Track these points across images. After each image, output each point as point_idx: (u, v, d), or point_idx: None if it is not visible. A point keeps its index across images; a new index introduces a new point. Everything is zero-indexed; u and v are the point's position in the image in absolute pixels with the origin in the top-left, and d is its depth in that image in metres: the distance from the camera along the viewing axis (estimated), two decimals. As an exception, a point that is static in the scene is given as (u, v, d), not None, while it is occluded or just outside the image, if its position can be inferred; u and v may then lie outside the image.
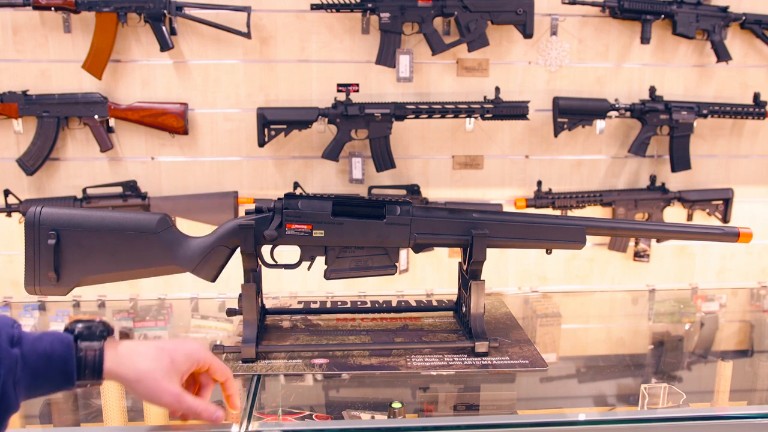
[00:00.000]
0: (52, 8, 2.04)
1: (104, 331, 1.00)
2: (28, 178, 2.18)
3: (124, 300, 2.23)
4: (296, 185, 2.24)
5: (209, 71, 2.20)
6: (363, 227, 1.49)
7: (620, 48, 2.29)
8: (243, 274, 1.49)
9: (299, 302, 1.91)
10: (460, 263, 1.62)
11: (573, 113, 2.23)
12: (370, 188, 2.28)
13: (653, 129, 2.27)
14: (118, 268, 1.43)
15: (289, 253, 1.54)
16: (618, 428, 1.30)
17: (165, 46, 2.11)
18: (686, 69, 2.34)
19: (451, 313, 1.78)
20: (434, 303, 1.89)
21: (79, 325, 0.98)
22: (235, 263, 1.49)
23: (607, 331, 2.13)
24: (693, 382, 1.68)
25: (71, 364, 0.95)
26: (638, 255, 2.41)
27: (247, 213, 1.50)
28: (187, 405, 1.05)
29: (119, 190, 2.19)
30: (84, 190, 2.17)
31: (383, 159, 2.22)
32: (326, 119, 2.16)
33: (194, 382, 1.17)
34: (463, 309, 1.62)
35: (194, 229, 2.15)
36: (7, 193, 2.13)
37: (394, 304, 1.88)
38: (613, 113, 2.26)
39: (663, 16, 2.22)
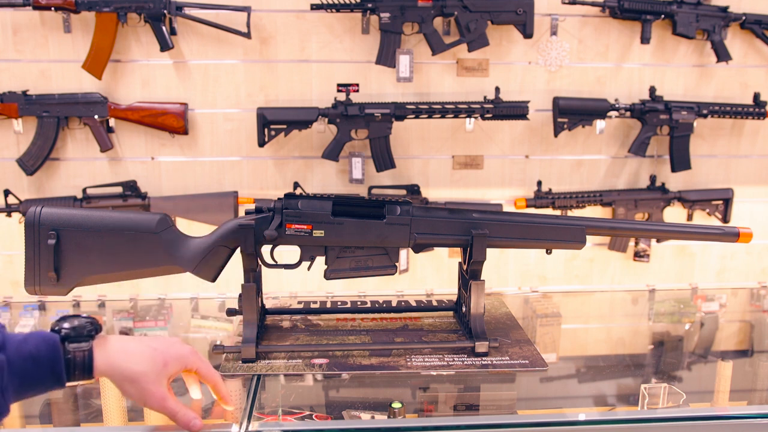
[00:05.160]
0: (52, 8, 2.04)
1: (92, 330, 0.99)
2: (28, 178, 2.18)
3: (124, 300, 2.23)
4: (296, 185, 2.24)
5: (209, 71, 2.20)
6: (363, 227, 1.49)
7: (620, 48, 2.29)
8: (243, 274, 1.49)
9: (299, 302, 1.91)
10: (460, 263, 1.62)
11: (573, 113, 2.23)
12: (370, 188, 2.28)
13: (653, 129, 2.27)
14: (118, 268, 1.43)
15: (289, 253, 1.54)
16: (618, 428, 1.30)
17: (165, 46, 2.11)
18: (686, 69, 2.34)
19: (451, 313, 1.78)
20: (434, 303, 1.89)
21: (66, 325, 0.97)
22: (235, 263, 1.49)
23: (607, 331, 2.13)
24: (693, 382, 1.68)
25: (60, 365, 0.93)
26: (638, 255, 2.41)
27: (247, 213, 1.50)
28: (168, 408, 1.05)
29: (119, 190, 2.19)
30: (84, 190, 2.17)
31: (383, 159, 2.22)
32: (326, 119, 2.16)
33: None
34: (463, 309, 1.62)
35: (194, 229, 2.15)
36: (7, 193, 2.13)
37: (394, 304, 1.88)
38: (613, 113, 2.26)
39: (663, 16, 2.22)
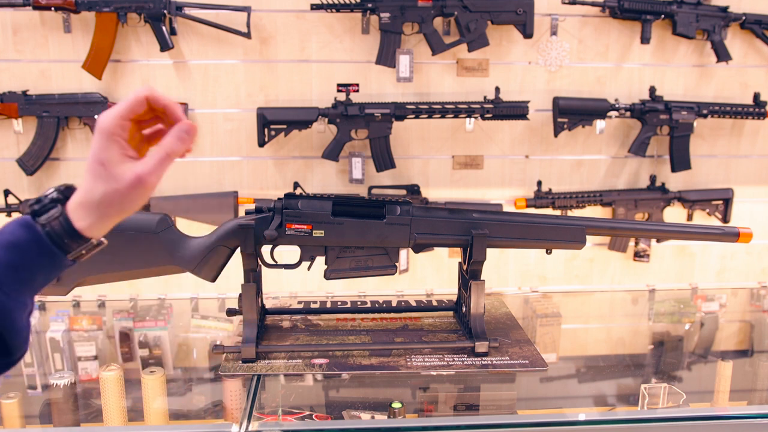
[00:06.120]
0: (52, 8, 2.04)
1: (58, 197, 0.88)
2: (28, 178, 2.18)
3: (124, 300, 2.23)
4: (296, 185, 2.24)
5: (209, 71, 2.20)
6: (363, 227, 1.49)
7: (620, 48, 2.29)
8: (243, 274, 1.49)
9: (299, 302, 1.91)
10: (460, 263, 1.62)
11: (573, 113, 2.23)
12: (370, 188, 2.28)
13: (653, 129, 2.27)
14: (118, 268, 1.43)
15: (289, 253, 1.54)
16: (618, 428, 1.30)
17: (165, 46, 2.11)
18: (686, 69, 2.34)
19: (451, 313, 1.78)
20: (434, 303, 1.89)
21: (33, 203, 0.87)
22: (235, 263, 1.49)
23: (607, 331, 2.13)
24: (693, 382, 1.68)
25: (43, 241, 0.85)
26: (638, 255, 2.41)
27: (247, 213, 1.50)
28: (151, 168, 0.89)
29: (119, 190, 2.18)
30: (84, 190, 2.17)
31: (383, 159, 2.22)
32: (326, 119, 2.16)
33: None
34: (463, 309, 1.62)
35: (194, 229, 2.15)
36: (7, 193, 2.13)
37: (394, 304, 1.88)
38: (613, 113, 2.26)
39: (663, 16, 2.22)
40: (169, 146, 0.92)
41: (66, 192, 0.89)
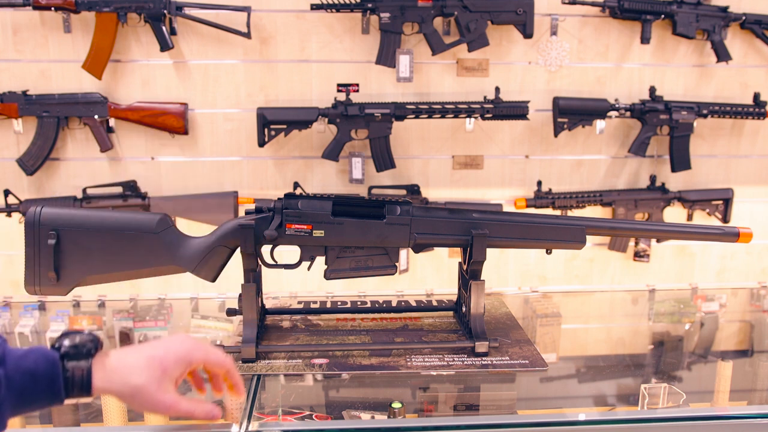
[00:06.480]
0: (52, 8, 2.04)
1: (92, 348, 0.97)
2: (28, 178, 2.18)
3: (124, 300, 2.23)
4: (296, 185, 2.24)
5: (209, 71, 2.20)
6: (363, 227, 1.49)
7: (620, 48, 2.29)
8: (243, 274, 1.49)
9: (299, 302, 1.91)
10: (460, 263, 1.62)
11: (573, 113, 2.23)
12: (370, 188, 2.28)
13: (653, 129, 2.27)
14: (118, 268, 1.43)
15: (289, 253, 1.54)
16: (618, 428, 1.30)
17: (165, 46, 2.11)
18: (686, 69, 2.34)
19: (451, 313, 1.78)
20: (434, 303, 1.89)
21: (66, 343, 0.96)
22: (235, 263, 1.49)
23: (607, 331, 2.13)
24: (693, 382, 1.68)
25: (58, 382, 0.93)
26: (638, 255, 2.41)
27: (247, 213, 1.50)
28: (183, 411, 1.04)
29: (119, 190, 2.19)
30: (84, 190, 2.17)
31: (383, 159, 2.22)
32: (326, 119, 2.16)
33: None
34: (463, 309, 1.62)
35: (194, 229, 2.15)
36: (7, 193, 2.13)
37: (394, 304, 1.88)
38: (613, 113, 2.26)
39: (663, 16, 2.22)
40: (201, 414, 1.06)
41: (97, 345, 0.98)
